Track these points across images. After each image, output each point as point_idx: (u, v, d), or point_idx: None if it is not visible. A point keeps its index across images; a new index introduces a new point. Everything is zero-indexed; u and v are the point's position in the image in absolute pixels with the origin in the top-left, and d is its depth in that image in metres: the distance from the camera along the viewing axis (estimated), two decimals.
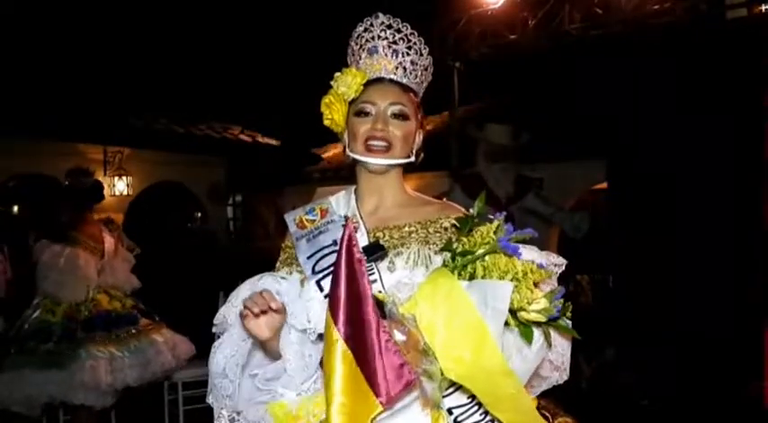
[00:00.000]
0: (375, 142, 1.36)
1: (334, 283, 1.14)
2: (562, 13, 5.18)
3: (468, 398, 1.18)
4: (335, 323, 1.12)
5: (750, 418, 3.92)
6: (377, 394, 1.09)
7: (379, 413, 1.11)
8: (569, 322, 1.19)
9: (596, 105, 5.40)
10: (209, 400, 1.41)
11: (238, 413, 1.37)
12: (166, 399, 4.01)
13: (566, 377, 1.33)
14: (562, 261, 1.26)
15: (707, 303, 4.13)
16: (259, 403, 1.32)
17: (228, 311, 1.39)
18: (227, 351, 1.36)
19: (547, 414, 1.32)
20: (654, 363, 4.40)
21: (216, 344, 1.40)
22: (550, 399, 1.38)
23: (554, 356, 1.27)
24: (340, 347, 1.11)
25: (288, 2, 9.96)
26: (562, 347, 1.28)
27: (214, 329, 1.44)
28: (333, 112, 1.40)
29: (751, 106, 4.14)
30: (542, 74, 7.00)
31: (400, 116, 1.38)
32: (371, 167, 1.40)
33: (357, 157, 1.39)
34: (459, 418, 1.18)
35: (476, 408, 1.18)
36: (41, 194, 4.74)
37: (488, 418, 1.18)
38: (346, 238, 1.15)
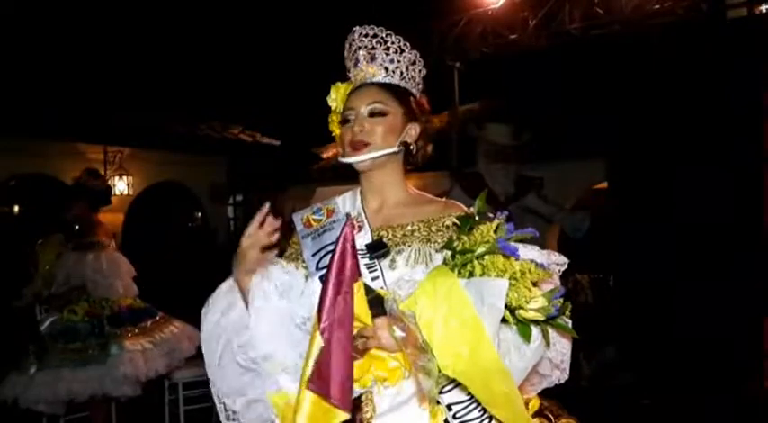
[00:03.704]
0: (355, 144, 1.42)
1: (326, 277, 1.16)
2: (562, 13, 5.20)
3: (468, 394, 1.19)
4: (320, 313, 1.14)
5: (750, 418, 3.92)
6: (326, 393, 1.11)
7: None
8: (569, 321, 1.20)
9: (597, 105, 5.41)
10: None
11: (234, 412, 1.39)
12: (167, 399, 4.01)
13: (566, 376, 1.34)
14: (564, 260, 1.26)
15: (707, 303, 4.13)
16: (252, 400, 1.35)
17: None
18: (219, 307, 1.41)
19: (550, 416, 1.33)
20: (654, 363, 4.41)
21: (204, 311, 1.44)
22: (553, 400, 1.39)
23: (553, 355, 1.27)
24: (318, 337, 1.14)
25: (288, 2, 9.97)
26: (562, 346, 1.29)
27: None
28: (334, 129, 1.50)
29: (751, 106, 4.14)
30: (542, 73, 7.01)
31: (376, 114, 1.42)
32: (358, 167, 1.44)
33: (343, 160, 1.44)
34: (458, 414, 1.20)
35: (475, 404, 1.19)
36: (58, 195, 4.86)
37: (486, 414, 1.19)
38: (342, 235, 1.17)
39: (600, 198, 6.56)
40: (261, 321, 1.33)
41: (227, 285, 1.43)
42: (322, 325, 1.13)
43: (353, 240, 1.18)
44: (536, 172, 5.17)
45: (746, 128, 4.17)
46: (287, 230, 1.47)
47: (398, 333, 1.14)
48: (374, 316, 1.19)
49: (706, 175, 4.27)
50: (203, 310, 1.43)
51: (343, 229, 1.18)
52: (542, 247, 1.27)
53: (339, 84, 1.50)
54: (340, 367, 1.11)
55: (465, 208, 1.41)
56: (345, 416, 1.11)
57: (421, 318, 1.10)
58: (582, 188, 6.83)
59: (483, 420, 1.19)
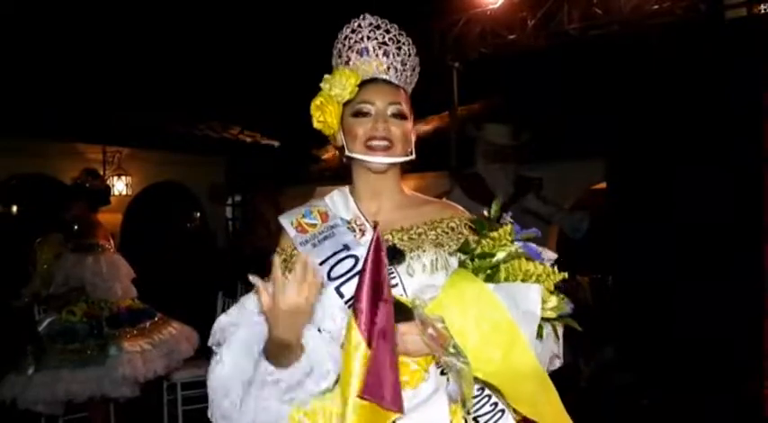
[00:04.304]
0: (376, 142, 1.34)
1: (359, 289, 1.14)
2: (561, 13, 5.20)
3: (478, 390, 1.21)
4: (359, 326, 1.12)
5: (750, 418, 3.92)
6: (381, 398, 1.09)
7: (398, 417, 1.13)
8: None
9: (596, 105, 5.41)
10: (211, 415, 1.28)
11: None
12: (165, 399, 4.01)
13: (559, 363, 1.33)
14: (553, 256, 1.27)
15: (707, 303, 4.13)
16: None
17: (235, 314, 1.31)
18: (228, 367, 1.24)
19: None
20: (653, 363, 4.41)
21: (215, 359, 1.27)
22: None
23: (555, 347, 1.28)
24: (361, 351, 1.11)
25: (287, 2, 9.96)
26: (559, 335, 1.30)
27: (210, 341, 1.32)
28: (325, 115, 1.37)
29: (751, 106, 4.14)
30: (541, 74, 7.01)
31: (399, 115, 1.36)
32: (374, 167, 1.37)
33: (360, 156, 1.35)
34: (470, 410, 1.22)
35: (486, 399, 1.23)
36: (57, 195, 4.86)
37: (498, 408, 1.23)
38: (374, 244, 1.15)
39: (599, 198, 6.57)
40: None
41: (245, 333, 1.25)
42: (364, 334, 1.11)
43: (383, 248, 1.17)
44: (535, 172, 5.16)
45: (746, 128, 4.17)
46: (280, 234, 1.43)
47: (430, 337, 1.13)
48: (395, 322, 1.17)
49: (706, 175, 4.27)
50: (213, 361, 1.25)
51: (374, 235, 1.17)
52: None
53: (347, 70, 1.37)
54: (389, 371, 1.10)
55: (461, 208, 1.43)
56: (399, 415, 1.12)
57: (452, 326, 1.11)
58: (581, 188, 6.83)
59: (495, 414, 1.24)
